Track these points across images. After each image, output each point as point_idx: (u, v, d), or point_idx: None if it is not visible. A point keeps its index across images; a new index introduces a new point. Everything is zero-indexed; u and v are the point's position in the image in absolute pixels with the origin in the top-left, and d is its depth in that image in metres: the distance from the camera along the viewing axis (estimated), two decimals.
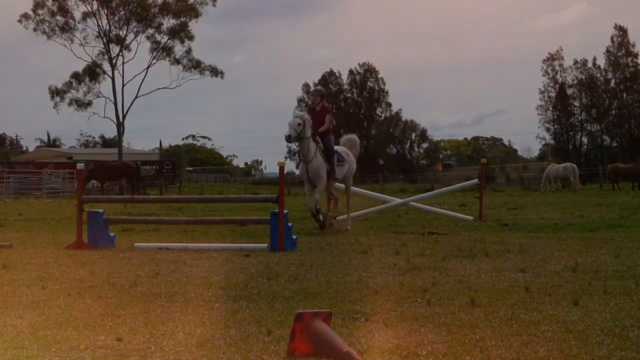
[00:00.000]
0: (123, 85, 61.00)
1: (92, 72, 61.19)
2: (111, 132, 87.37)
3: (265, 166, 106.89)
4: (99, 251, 9.93)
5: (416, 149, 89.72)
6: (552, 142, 78.41)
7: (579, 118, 75.61)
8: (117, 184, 42.22)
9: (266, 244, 10.34)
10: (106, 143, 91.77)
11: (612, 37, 73.16)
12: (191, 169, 79.47)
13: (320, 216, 13.19)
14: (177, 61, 62.14)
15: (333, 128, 13.59)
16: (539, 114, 76.40)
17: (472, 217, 16.07)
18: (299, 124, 12.70)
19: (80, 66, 62.11)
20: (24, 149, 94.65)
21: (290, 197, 35.74)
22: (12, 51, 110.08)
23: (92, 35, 60.67)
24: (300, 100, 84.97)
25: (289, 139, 12.76)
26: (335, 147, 13.64)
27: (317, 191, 13.07)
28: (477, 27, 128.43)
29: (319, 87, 13.99)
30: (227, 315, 5.43)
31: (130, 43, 61.58)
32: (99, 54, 61.16)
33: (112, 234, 10.91)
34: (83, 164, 12.68)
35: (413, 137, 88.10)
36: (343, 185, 14.43)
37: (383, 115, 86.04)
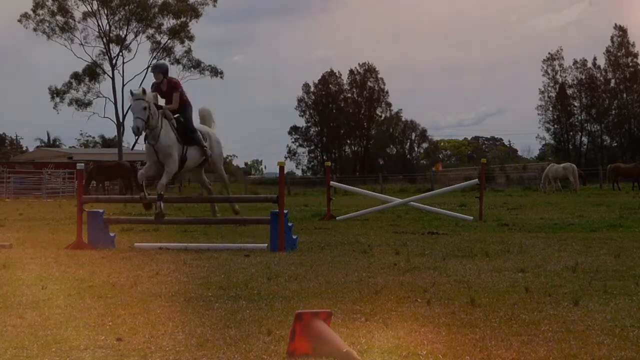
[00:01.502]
0: (123, 85, 61.00)
1: (92, 72, 61.23)
2: (111, 132, 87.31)
3: (265, 166, 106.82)
4: (99, 251, 9.93)
5: (416, 149, 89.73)
6: (552, 142, 78.45)
7: (579, 118, 75.63)
8: (117, 183, 42.22)
9: (266, 244, 10.35)
10: (106, 143, 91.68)
11: (612, 37, 73.19)
12: None
13: (145, 194, 10.81)
14: (177, 61, 62.20)
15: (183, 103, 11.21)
16: (539, 114, 76.47)
17: (472, 217, 16.08)
18: (145, 108, 10.31)
19: (80, 66, 62.15)
20: (24, 149, 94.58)
21: (290, 197, 35.76)
22: (12, 51, 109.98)
23: (92, 35, 60.75)
24: (300, 100, 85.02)
25: (137, 131, 10.35)
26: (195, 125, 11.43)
27: (165, 174, 10.82)
28: (477, 27, 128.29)
29: (160, 61, 11.44)
30: (227, 315, 5.43)
31: (130, 43, 61.66)
32: (99, 54, 61.27)
33: (112, 234, 10.92)
34: (83, 164, 12.64)
35: (413, 137, 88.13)
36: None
37: (383, 115, 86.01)
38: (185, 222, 13.92)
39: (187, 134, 11.02)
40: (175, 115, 10.97)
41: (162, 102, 10.90)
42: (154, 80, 11.24)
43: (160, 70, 11.22)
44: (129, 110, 10.40)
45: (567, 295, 6.09)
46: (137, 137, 11.24)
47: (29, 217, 19.37)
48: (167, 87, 11.10)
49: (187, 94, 11.43)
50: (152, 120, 10.43)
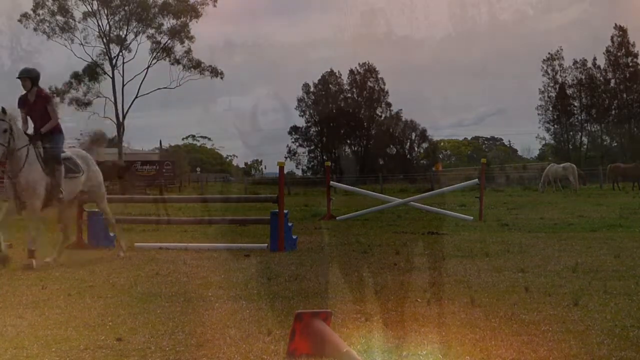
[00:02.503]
0: (123, 85, 61.04)
1: (92, 72, 61.25)
2: (111, 132, 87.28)
3: (265, 166, 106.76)
4: (99, 251, 9.93)
5: (416, 149, 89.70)
6: (552, 142, 78.42)
7: (579, 118, 75.58)
8: (116, 183, 42.19)
9: (266, 244, 10.34)
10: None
11: (612, 37, 73.15)
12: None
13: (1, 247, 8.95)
14: (177, 61, 62.17)
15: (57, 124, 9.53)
16: (539, 114, 76.41)
17: (472, 217, 16.07)
18: (5, 130, 8.65)
19: (80, 66, 62.13)
20: None
21: (290, 197, 35.75)
22: (12, 51, 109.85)
23: (93, 35, 60.78)
24: (300, 100, 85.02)
25: None
26: (68, 152, 9.65)
27: (31, 217, 9.29)
28: (477, 27, 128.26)
29: (28, 67, 9.42)
30: (227, 315, 5.43)
31: (130, 43, 61.68)
32: (99, 54, 61.30)
33: (112, 234, 10.91)
34: None
35: (413, 137, 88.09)
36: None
37: (383, 115, 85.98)
38: (185, 222, 13.92)
39: (53, 166, 9.17)
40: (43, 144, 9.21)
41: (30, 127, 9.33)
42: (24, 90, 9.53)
43: (28, 76, 9.46)
44: None
45: (567, 295, 6.09)
46: None
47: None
48: (35, 98, 9.43)
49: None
50: (13, 144, 8.75)
